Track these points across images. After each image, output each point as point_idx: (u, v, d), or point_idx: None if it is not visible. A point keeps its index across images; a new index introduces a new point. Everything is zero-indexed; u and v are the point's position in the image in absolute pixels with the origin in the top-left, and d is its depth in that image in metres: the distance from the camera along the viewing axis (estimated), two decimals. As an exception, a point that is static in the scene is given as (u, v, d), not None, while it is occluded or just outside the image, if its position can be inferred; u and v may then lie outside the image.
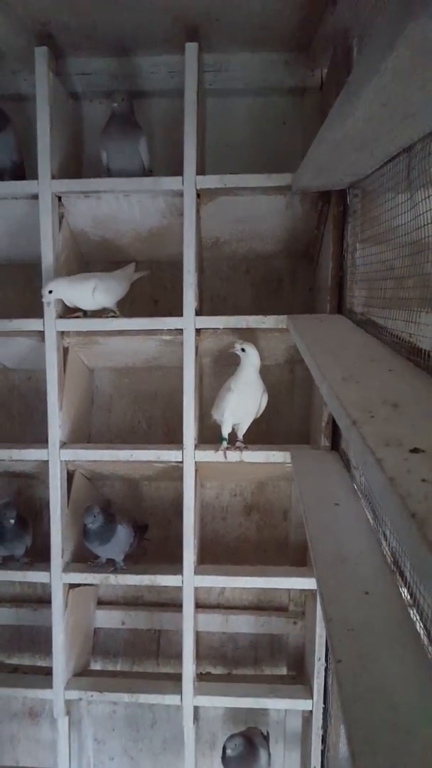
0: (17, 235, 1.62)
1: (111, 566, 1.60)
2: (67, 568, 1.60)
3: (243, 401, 1.46)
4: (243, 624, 1.81)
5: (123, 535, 1.58)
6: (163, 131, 1.67)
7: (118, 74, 1.64)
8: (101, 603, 1.88)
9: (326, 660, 1.56)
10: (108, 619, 1.87)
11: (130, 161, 1.47)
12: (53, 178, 1.47)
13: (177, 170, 1.46)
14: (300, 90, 1.64)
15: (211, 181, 1.46)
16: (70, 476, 1.65)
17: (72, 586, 1.63)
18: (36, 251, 1.52)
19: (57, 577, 1.58)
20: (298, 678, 1.75)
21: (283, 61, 1.59)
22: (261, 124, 1.69)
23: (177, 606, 1.82)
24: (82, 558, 1.65)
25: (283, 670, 1.82)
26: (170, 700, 1.60)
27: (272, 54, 1.58)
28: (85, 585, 1.66)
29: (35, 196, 1.49)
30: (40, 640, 1.88)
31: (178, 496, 1.58)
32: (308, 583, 1.55)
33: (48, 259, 1.51)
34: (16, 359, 1.74)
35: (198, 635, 1.67)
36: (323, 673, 1.56)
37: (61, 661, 1.60)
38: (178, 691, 1.58)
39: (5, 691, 1.69)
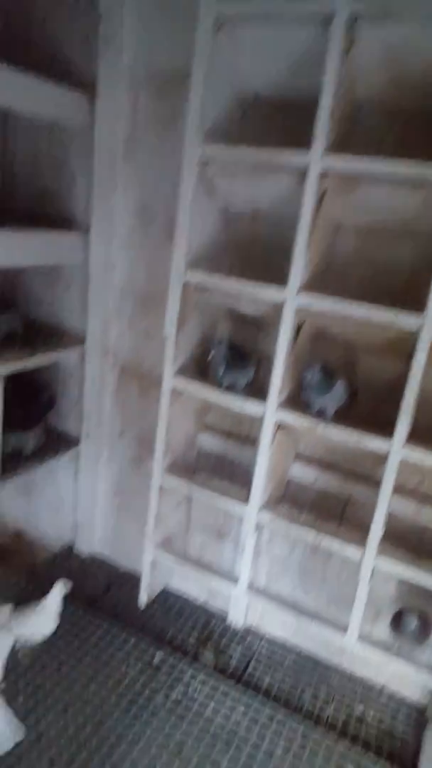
0: (295, 68, 1.58)
1: (321, 417, 1.65)
2: (281, 406, 1.69)
3: None
4: (436, 518, 1.74)
5: (340, 389, 1.61)
6: None
7: None
8: (298, 458, 1.98)
9: None
10: (302, 473, 1.97)
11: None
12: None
13: None
14: None
15: None
16: (297, 328, 1.70)
17: (280, 427, 1.74)
18: (310, 88, 1.47)
19: (271, 412, 1.69)
20: None
21: None
22: None
23: (371, 481, 1.83)
24: (294, 406, 1.73)
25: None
26: (352, 552, 1.66)
27: None
28: (291, 430, 1.75)
29: (328, 19, 1.41)
30: (239, 474, 2.07)
31: (396, 377, 1.53)
32: None
33: (327, 97, 1.45)
34: (269, 201, 1.77)
35: (388, 516, 1.66)
36: None
37: (260, 484, 1.76)
38: (363, 544, 1.63)
39: (205, 497, 1.92)
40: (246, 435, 2.05)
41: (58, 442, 2.35)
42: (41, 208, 2.19)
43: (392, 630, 1.72)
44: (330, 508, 1.93)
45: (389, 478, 1.57)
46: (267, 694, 1.88)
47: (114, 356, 2.24)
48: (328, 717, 1.83)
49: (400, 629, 1.68)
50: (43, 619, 1.79)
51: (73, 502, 2.45)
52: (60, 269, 2.22)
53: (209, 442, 2.12)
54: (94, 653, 1.93)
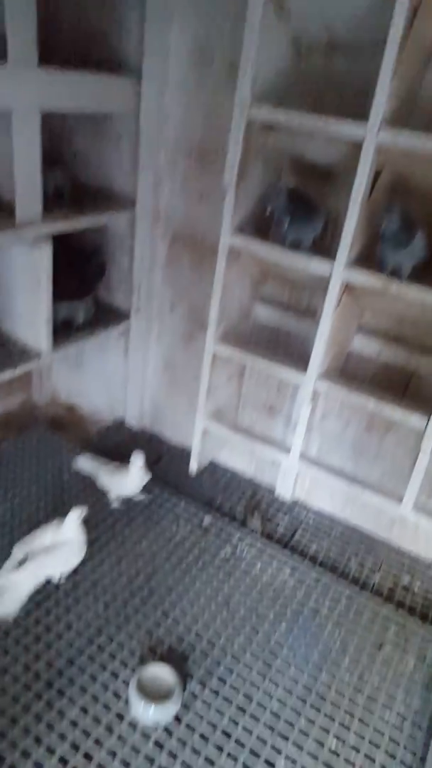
0: None
1: (395, 276, 1.51)
2: (351, 265, 1.55)
3: None
4: None
5: (420, 243, 1.45)
6: None
7: None
8: (361, 330, 1.87)
9: None
10: (364, 345, 1.86)
11: None
12: None
13: None
14: None
15: None
16: (375, 176, 1.51)
17: (347, 289, 1.61)
18: None
19: (339, 271, 1.56)
20: None
21: None
22: None
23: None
24: (365, 264, 1.59)
25: None
26: (416, 421, 1.58)
27: None
28: (358, 294, 1.62)
29: None
30: (295, 348, 1.98)
31: None
32: None
33: None
34: (348, 23, 1.51)
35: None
36: None
37: (320, 351, 1.67)
38: (427, 413, 1.55)
39: (260, 365, 1.86)
40: (305, 307, 1.93)
41: (108, 316, 2.29)
42: (88, 51, 1.98)
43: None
44: (392, 382, 1.83)
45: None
46: (313, 560, 1.91)
47: (165, 222, 2.11)
48: (374, 584, 1.85)
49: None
50: (129, 480, 1.98)
51: (123, 376, 2.44)
52: (109, 123, 2.05)
53: (265, 314, 2.02)
54: (145, 513, 1.99)
